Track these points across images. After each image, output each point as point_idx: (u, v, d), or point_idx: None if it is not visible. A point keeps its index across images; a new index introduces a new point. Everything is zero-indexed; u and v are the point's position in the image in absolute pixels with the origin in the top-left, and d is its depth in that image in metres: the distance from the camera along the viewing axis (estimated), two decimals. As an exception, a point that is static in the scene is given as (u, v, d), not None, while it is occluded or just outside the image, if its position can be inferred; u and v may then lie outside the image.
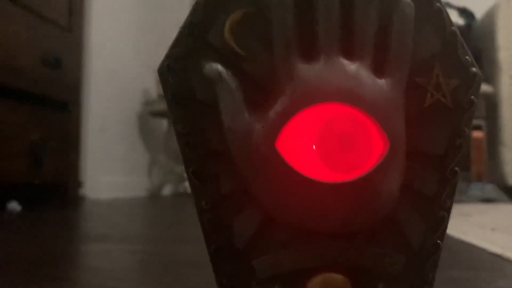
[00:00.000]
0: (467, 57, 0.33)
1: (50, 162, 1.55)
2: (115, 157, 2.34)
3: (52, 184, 1.61)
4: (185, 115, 0.32)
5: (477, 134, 2.23)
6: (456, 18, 2.32)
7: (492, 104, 2.11)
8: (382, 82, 0.32)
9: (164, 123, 2.71)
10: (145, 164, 2.64)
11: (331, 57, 0.32)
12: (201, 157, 0.32)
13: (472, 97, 0.33)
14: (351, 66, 0.32)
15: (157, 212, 1.59)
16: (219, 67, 0.31)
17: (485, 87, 2.02)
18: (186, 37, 0.32)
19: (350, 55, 0.32)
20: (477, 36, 2.28)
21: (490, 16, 2.18)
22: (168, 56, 0.32)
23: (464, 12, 2.39)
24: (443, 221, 0.33)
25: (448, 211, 0.33)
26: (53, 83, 1.61)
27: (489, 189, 1.96)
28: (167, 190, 2.70)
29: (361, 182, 0.31)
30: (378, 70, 0.32)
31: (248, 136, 0.31)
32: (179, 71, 0.32)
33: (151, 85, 2.57)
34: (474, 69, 0.33)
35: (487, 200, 1.90)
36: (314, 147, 0.34)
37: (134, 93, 2.53)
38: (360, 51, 0.32)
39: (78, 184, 1.78)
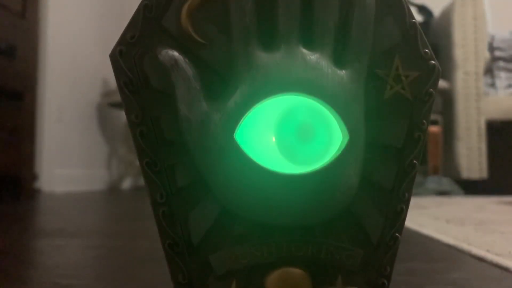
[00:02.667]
0: (426, 50, 0.33)
1: (2, 153, 1.49)
2: (72, 149, 2.27)
3: (4, 177, 1.54)
4: (138, 104, 0.31)
5: (433, 128, 2.30)
6: (415, 15, 2.37)
7: (448, 100, 2.18)
8: (342, 73, 0.32)
9: (124, 114, 2.65)
10: (103, 157, 2.57)
11: (291, 46, 0.31)
12: (156, 147, 0.31)
13: (430, 89, 0.33)
14: (312, 57, 0.31)
15: (115, 206, 1.56)
16: (175, 53, 0.30)
17: (441, 83, 2.08)
18: (141, 21, 0.30)
19: (310, 45, 0.31)
20: (434, 33, 2.34)
21: (447, 14, 2.24)
22: (121, 41, 0.31)
23: (422, 9, 2.45)
24: (401, 214, 0.33)
25: (407, 204, 0.33)
26: (5, 72, 1.54)
27: (445, 182, 2.02)
28: (126, 184, 2.65)
29: (320, 174, 0.31)
30: (339, 61, 0.32)
31: (206, 126, 0.30)
32: (132, 57, 0.30)
33: (111, 74, 2.50)
34: (433, 62, 0.33)
35: (443, 193, 1.97)
36: (273, 138, 0.33)
37: (93, 83, 2.46)
38: (321, 41, 0.32)
39: (32, 176, 1.72)
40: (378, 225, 0.33)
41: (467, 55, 2.14)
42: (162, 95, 0.30)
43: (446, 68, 2.18)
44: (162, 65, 0.30)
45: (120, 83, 0.31)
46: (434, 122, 2.30)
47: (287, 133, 0.33)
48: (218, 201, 0.31)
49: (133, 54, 0.30)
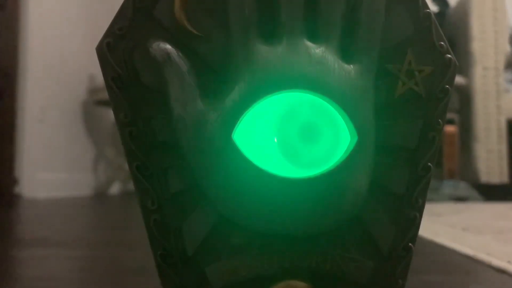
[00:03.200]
0: (441, 42, 0.33)
1: (-21, 156, 1.48)
2: (56, 151, 2.27)
3: (-18, 182, 1.54)
4: (127, 102, 0.30)
5: (449, 128, 2.30)
6: (429, 5, 2.37)
7: (465, 97, 2.18)
8: (350, 68, 0.32)
9: (112, 113, 2.64)
10: (90, 159, 2.57)
11: (295, 39, 0.31)
12: (147, 150, 0.31)
13: (446, 86, 0.33)
14: (317, 50, 0.31)
15: (102, 213, 1.56)
16: (167, 46, 0.30)
17: (458, 79, 2.08)
18: (130, 11, 0.30)
19: (315, 38, 0.31)
20: (450, 25, 2.34)
21: (464, 4, 2.24)
22: (108, 33, 0.31)
23: (438, -2, 2.45)
24: (415, 222, 0.33)
25: (420, 210, 0.33)
26: (-18, 67, 1.54)
27: (462, 187, 2.02)
28: (114, 189, 2.65)
29: (326, 179, 0.31)
30: (346, 55, 0.32)
31: (201, 126, 0.30)
32: (121, 50, 0.30)
33: (99, 70, 2.50)
34: (449, 55, 0.33)
35: (459, 199, 1.96)
36: (275, 139, 0.33)
37: (78, 80, 2.46)
38: (326, 33, 0.32)
39: (12, 181, 1.72)
40: (389, 234, 0.33)
41: (486, 49, 2.15)
42: (154, 92, 0.30)
43: (463, 62, 2.18)
44: (154, 60, 0.30)
45: (107, 79, 0.31)
46: (450, 122, 2.30)
47: (289, 133, 0.33)
48: (215, 208, 0.31)
49: (122, 47, 0.30)
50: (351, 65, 0.32)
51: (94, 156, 2.61)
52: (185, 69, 0.30)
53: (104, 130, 2.66)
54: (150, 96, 0.30)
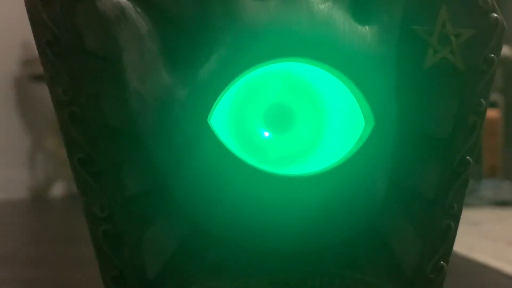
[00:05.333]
0: (485, -3, 0.33)
1: None
2: (-20, 141, 2.26)
3: None
4: (67, 73, 0.30)
5: (491, 113, 2.32)
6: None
7: None
8: (365, 30, 0.31)
9: (54, 92, 2.63)
10: (24, 152, 2.57)
11: (292, -9, 0.31)
12: (93, 138, 0.30)
13: (491, 55, 0.33)
14: (321, 6, 0.31)
15: (41, 222, 1.55)
16: (121, 0, 0.30)
17: (504, 49, 2.09)
18: (71, -48, 0.30)
19: (319, -10, 0.31)
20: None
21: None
22: (42, -19, 0.30)
23: None
24: (448, 234, 0.33)
25: (455, 219, 0.34)
26: None
27: (505, 188, 2.04)
28: (57, 190, 2.65)
29: (332, 177, 0.31)
30: (360, 13, 0.32)
31: (167, 106, 0.30)
32: (59, 4, 0.30)
33: (35, 36, 2.48)
34: (495, 15, 0.33)
35: (503, 203, 1.98)
36: (265, 132, 0.33)
37: (8, 48, 2.44)
38: (334, -17, 0.31)
39: None
40: (414, 249, 0.33)
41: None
42: (103, 61, 0.30)
43: (510, 29, 2.20)
44: (103, 17, 0.29)
45: (40, 43, 0.30)
46: (492, 105, 2.32)
47: (285, 117, 0.33)
48: (185, 215, 0.31)
49: (59, 0, 0.30)
50: (367, 27, 0.32)
51: (30, 147, 2.60)
52: (145, 29, 0.30)
53: (43, 113, 2.65)
54: (97, 66, 0.30)
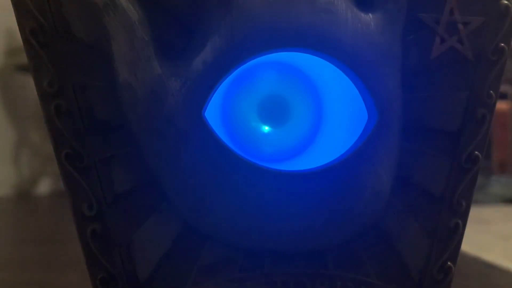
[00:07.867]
0: (496, -17, 0.33)
1: None
2: (-39, 135, 2.26)
3: None
4: (53, 64, 0.30)
5: (500, 105, 2.32)
6: None
7: (523, 63, 2.19)
8: (368, 18, 0.31)
9: (39, 84, 2.63)
10: (9, 147, 2.56)
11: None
12: (81, 132, 0.30)
13: (502, 44, 0.33)
14: (322, -7, 0.31)
15: (27, 221, 1.55)
16: (110, -14, 0.30)
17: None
18: None
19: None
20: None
21: None
22: (26, -33, 0.30)
23: None
24: (456, 233, 0.33)
25: (463, 217, 0.34)
26: None
27: (516, 185, 2.05)
28: (44, 187, 2.65)
29: (334, 173, 0.31)
30: (363, 0, 0.31)
31: (159, 98, 0.30)
32: (45, -9, 0.30)
33: (19, 24, 2.48)
34: (505, 2, 0.33)
35: (513, 201, 1.99)
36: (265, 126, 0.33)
37: (-9, 36, 2.44)
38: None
39: None
40: (420, 249, 0.33)
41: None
42: (91, 50, 0.30)
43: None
44: (91, 4, 0.29)
45: (25, 31, 0.30)
46: (502, 96, 2.32)
47: (282, 109, 0.33)
48: (177, 213, 0.31)
49: (45, -14, 0.30)
50: (370, 15, 0.32)
51: (15, 141, 2.60)
52: (136, 17, 0.30)
53: (28, 106, 2.65)
54: (84, 56, 0.30)
